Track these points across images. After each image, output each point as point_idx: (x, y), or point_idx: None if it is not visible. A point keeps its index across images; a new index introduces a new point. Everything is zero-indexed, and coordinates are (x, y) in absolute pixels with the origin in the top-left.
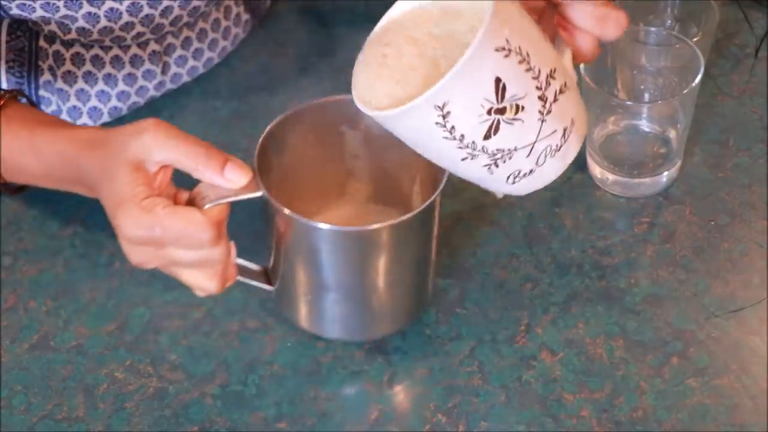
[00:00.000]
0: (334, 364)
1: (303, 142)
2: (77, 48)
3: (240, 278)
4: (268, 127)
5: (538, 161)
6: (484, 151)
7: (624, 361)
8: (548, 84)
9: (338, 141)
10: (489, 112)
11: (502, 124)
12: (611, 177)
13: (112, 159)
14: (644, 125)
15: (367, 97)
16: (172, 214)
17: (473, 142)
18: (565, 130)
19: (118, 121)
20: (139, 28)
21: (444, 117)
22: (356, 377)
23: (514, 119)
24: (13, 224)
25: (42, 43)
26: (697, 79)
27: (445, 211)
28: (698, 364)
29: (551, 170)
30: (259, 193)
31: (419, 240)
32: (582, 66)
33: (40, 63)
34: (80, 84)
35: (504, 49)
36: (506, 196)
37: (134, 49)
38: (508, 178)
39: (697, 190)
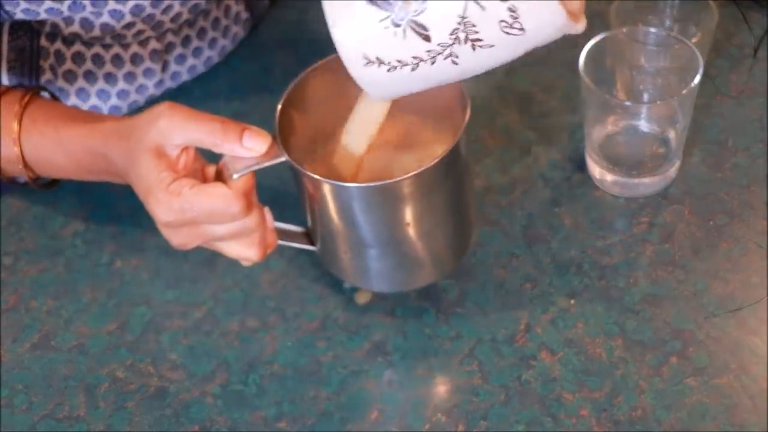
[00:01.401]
0: (334, 364)
1: (324, 99)
2: (78, 47)
3: (282, 242)
4: (286, 91)
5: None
6: (439, 46)
7: (623, 360)
8: None
9: (355, 96)
10: (394, 24)
11: (411, 23)
12: (610, 177)
13: (135, 147)
14: (643, 125)
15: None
16: (199, 193)
17: (417, 51)
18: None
19: None
20: (140, 26)
21: (381, 63)
22: (356, 377)
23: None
24: (14, 224)
25: (43, 42)
26: (696, 80)
27: None
28: (697, 363)
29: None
30: (282, 158)
31: (447, 185)
32: (581, 66)
33: (41, 62)
34: (80, 83)
35: None
36: (507, 196)
37: (134, 48)
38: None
39: (696, 190)
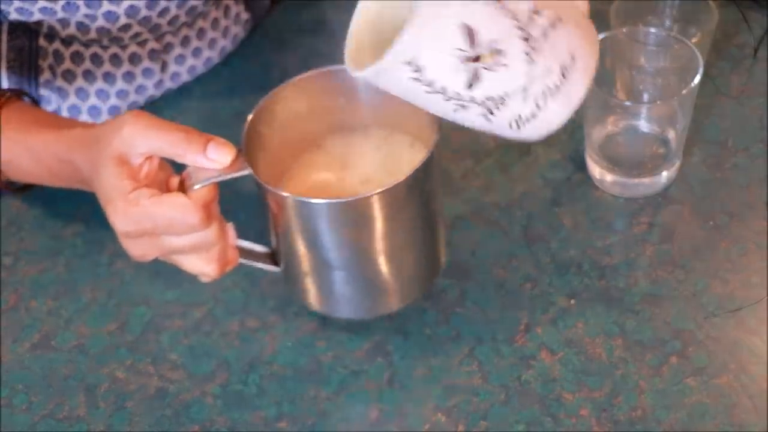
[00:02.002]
0: (334, 364)
1: (295, 117)
2: (76, 46)
3: (243, 261)
4: (257, 106)
5: (538, 104)
6: (472, 101)
7: (623, 360)
8: (532, 20)
9: (331, 112)
10: (464, 61)
11: (483, 72)
12: (610, 177)
13: (99, 155)
14: (643, 126)
15: (358, 58)
16: (158, 203)
17: (458, 93)
18: (563, 68)
19: None
20: (136, 29)
21: (418, 72)
22: (356, 377)
23: (494, 65)
24: (14, 224)
25: (42, 42)
26: (696, 80)
27: (445, 211)
28: (697, 363)
29: (554, 111)
30: (245, 172)
31: (416, 205)
32: None
33: (40, 62)
34: (79, 82)
35: None
36: (506, 196)
37: (133, 48)
38: (510, 124)
39: (696, 190)
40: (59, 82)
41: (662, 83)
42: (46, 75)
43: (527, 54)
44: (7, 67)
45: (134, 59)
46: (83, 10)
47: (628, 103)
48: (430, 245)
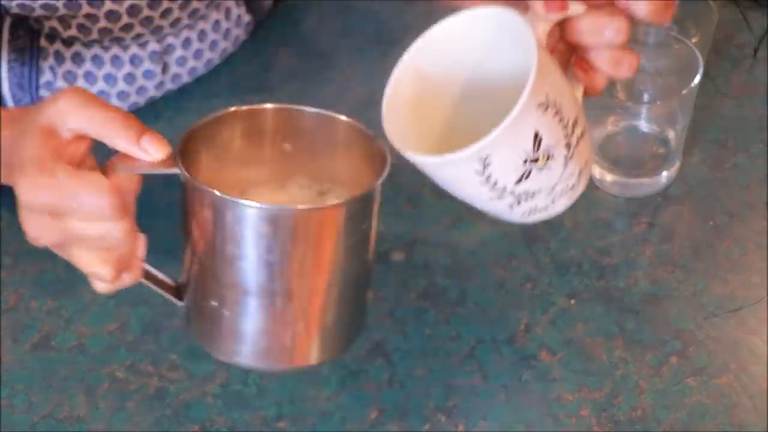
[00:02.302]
0: (334, 364)
1: (229, 146)
2: (77, 47)
3: (144, 281)
4: (192, 126)
5: (554, 199)
6: (512, 194)
7: (623, 360)
8: (573, 131)
9: (269, 149)
10: (524, 162)
11: (534, 171)
12: (610, 177)
13: (27, 126)
14: (643, 126)
15: (398, 135)
16: (73, 175)
17: (504, 187)
18: (581, 171)
19: None
20: (138, 29)
21: (484, 167)
22: (356, 377)
23: (544, 166)
24: (14, 224)
25: (43, 42)
26: (696, 80)
27: (445, 211)
28: (697, 363)
29: (562, 205)
30: (175, 170)
31: (353, 235)
32: None
33: (41, 63)
34: (80, 83)
35: (544, 104)
36: None
37: (134, 49)
38: (525, 213)
39: (696, 190)
40: (60, 83)
41: (662, 83)
42: (47, 76)
43: (566, 158)
44: (8, 68)
45: (135, 61)
46: (85, 9)
47: (628, 103)
48: (361, 296)
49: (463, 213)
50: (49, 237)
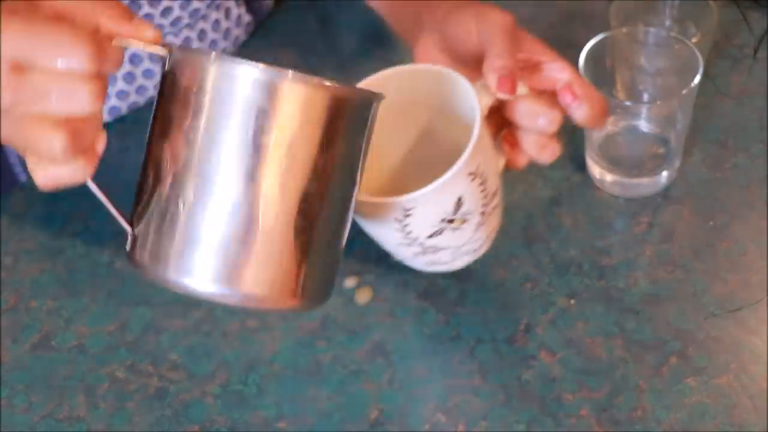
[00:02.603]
0: (334, 365)
1: None
2: None
3: (93, 187)
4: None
5: (456, 258)
6: (420, 245)
7: (623, 360)
8: (491, 201)
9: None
10: (441, 221)
11: (447, 230)
12: (610, 177)
13: None
14: (643, 126)
15: None
16: (51, 19)
17: (416, 238)
18: (487, 236)
19: (119, 121)
20: None
21: (405, 217)
22: (356, 377)
23: (457, 228)
24: (14, 224)
25: None
26: (696, 80)
27: None
28: (697, 363)
29: (462, 263)
30: (163, 52)
31: (348, 142)
32: (581, 66)
33: None
34: None
35: (473, 174)
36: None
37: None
38: (427, 263)
39: (696, 190)
40: None
41: (662, 83)
42: None
43: (477, 225)
44: None
45: (135, 60)
46: None
47: (628, 103)
48: (338, 232)
49: None
50: (5, 94)
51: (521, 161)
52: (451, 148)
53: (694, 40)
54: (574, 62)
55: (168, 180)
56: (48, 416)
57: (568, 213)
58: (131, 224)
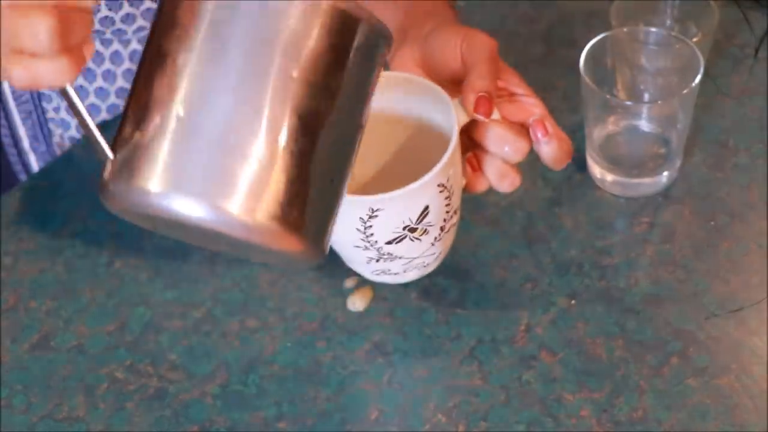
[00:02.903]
0: (334, 365)
1: None
2: None
3: (69, 91)
4: None
5: (407, 270)
6: (378, 250)
7: (624, 360)
8: (452, 218)
9: None
10: (404, 228)
11: (406, 239)
12: (611, 177)
13: None
14: (644, 125)
15: None
16: None
17: (376, 242)
18: (439, 254)
19: (118, 119)
20: (140, 22)
21: (369, 218)
22: (356, 377)
23: (416, 238)
24: (13, 224)
25: None
26: (697, 80)
27: None
28: (698, 363)
29: (410, 276)
30: None
31: (355, 73)
32: (582, 66)
33: None
34: (79, 80)
35: (443, 185)
36: (507, 196)
37: (134, 45)
38: (376, 271)
39: (697, 190)
40: None
41: (663, 83)
42: None
43: (435, 239)
44: None
45: (135, 57)
46: None
47: (628, 103)
48: (339, 175)
49: (462, 213)
50: None
51: (481, 185)
52: (421, 157)
53: (694, 39)
54: (575, 62)
55: (159, 97)
56: (47, 416)
57: (568, 213)
58: (113, 149)
